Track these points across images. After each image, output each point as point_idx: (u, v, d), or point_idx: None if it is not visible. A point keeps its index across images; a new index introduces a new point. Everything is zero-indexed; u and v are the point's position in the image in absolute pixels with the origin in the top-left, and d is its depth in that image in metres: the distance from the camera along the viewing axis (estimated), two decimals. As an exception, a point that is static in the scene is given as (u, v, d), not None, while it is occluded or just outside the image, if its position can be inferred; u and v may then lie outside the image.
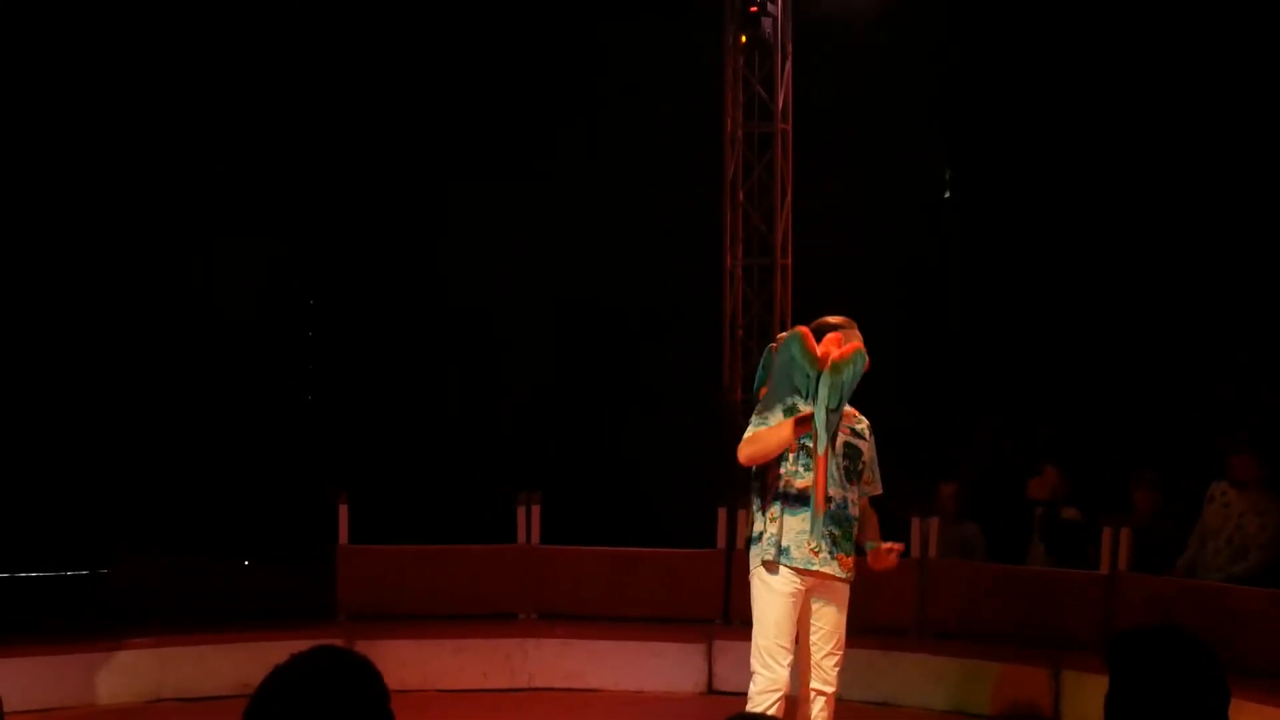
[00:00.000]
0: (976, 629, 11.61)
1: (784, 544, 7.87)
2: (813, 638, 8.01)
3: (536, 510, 12.47)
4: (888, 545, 8.04)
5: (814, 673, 8.00)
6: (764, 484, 7.99)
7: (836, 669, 8.01)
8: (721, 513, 11.72)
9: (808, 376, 7.80)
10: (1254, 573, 11.01)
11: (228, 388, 15.74)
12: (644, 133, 15.09)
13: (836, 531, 7.89)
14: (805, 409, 7.78)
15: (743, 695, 7.98)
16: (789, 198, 12.95)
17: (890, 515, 11.91)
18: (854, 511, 7.98)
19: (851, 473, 7.97)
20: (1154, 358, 14.23)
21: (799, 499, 7.89)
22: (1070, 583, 11.49)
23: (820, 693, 7.99)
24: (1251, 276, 13.69)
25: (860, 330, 8.03)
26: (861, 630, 11.29)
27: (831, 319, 8.09)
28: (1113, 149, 14.32)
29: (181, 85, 14.99)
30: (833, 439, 7.82)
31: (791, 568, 7.87)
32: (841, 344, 7.86)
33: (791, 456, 7.92)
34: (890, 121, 14.78)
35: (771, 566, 7.90)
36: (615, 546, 12.60)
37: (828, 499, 7.85)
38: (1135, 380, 14.28)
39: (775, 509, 7.94)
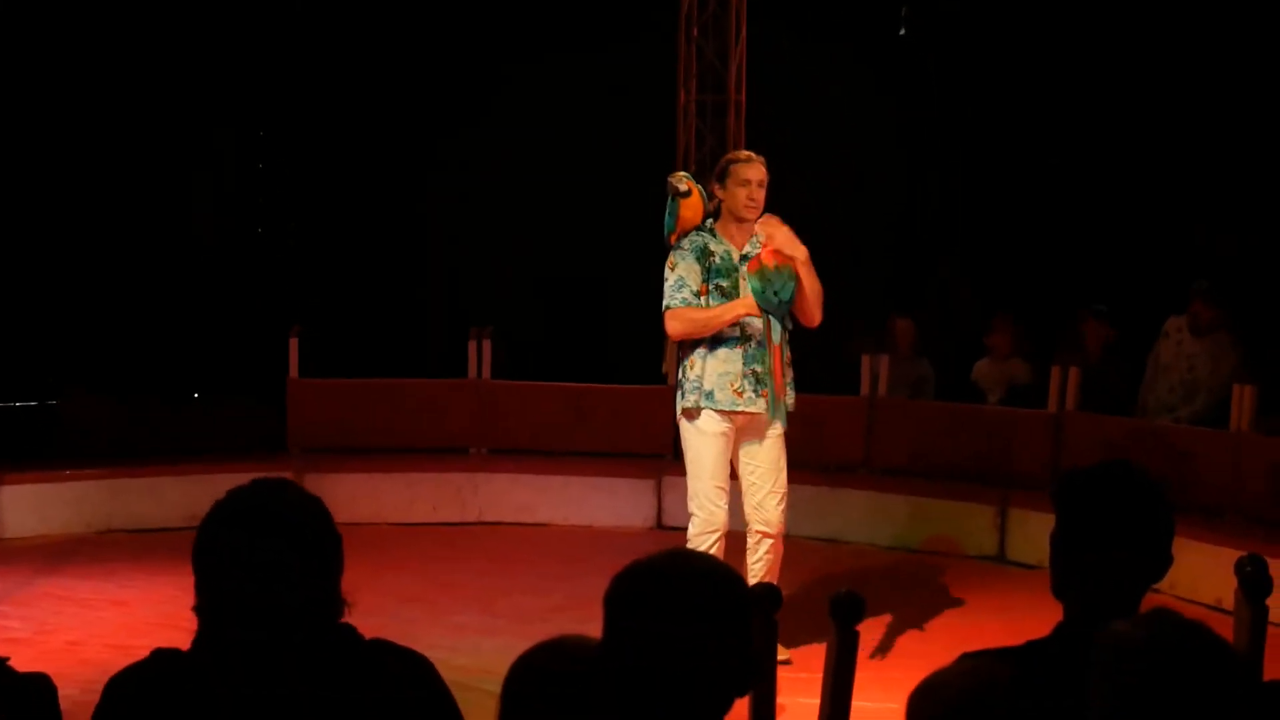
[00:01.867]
0: (925, 467, 11.71)
1: (707, 388, 7.90)
2: (750, 479, 8.02)
3: (488, 345, 12.47)
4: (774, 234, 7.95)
5: (755, 514, 8.00)
6: None
7: (779, 509, 7.99)
8: (671, 348, 11.74)
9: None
10: (1200, 415, 11.12)
11: (177, 220, 15.62)
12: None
13: (760, 368, 7.89)
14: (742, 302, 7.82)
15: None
16: (743, 33, 12.84)
17: (838, 352, 12.03)
18: (777, 341, 7.91)
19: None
20: (1114, 202, 14.25)
21: (718, 340, 7.90)
22: (1018, 422, 11.59)
23: (764, 534, 7.99)
24: (1217, 122, 13.68)
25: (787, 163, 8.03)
26: (809, 466, 11.43)
27: (740, 153, 8.11)
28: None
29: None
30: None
31: (717, 410, 7.90)
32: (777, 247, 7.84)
33: (704, 300, 7.93)
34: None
35: (693, 413, 7.94)
36: (566, 382, 12.63)
37: (748, 337, 7.87)
38: (1094, 225, 14.31)
39: (694, 355, 7.97)
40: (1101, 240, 14.16)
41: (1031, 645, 3.50)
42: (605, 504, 11.84)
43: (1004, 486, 11.13)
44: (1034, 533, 9.90)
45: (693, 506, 7.94)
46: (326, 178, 16.01)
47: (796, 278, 7.84)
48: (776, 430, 7.97)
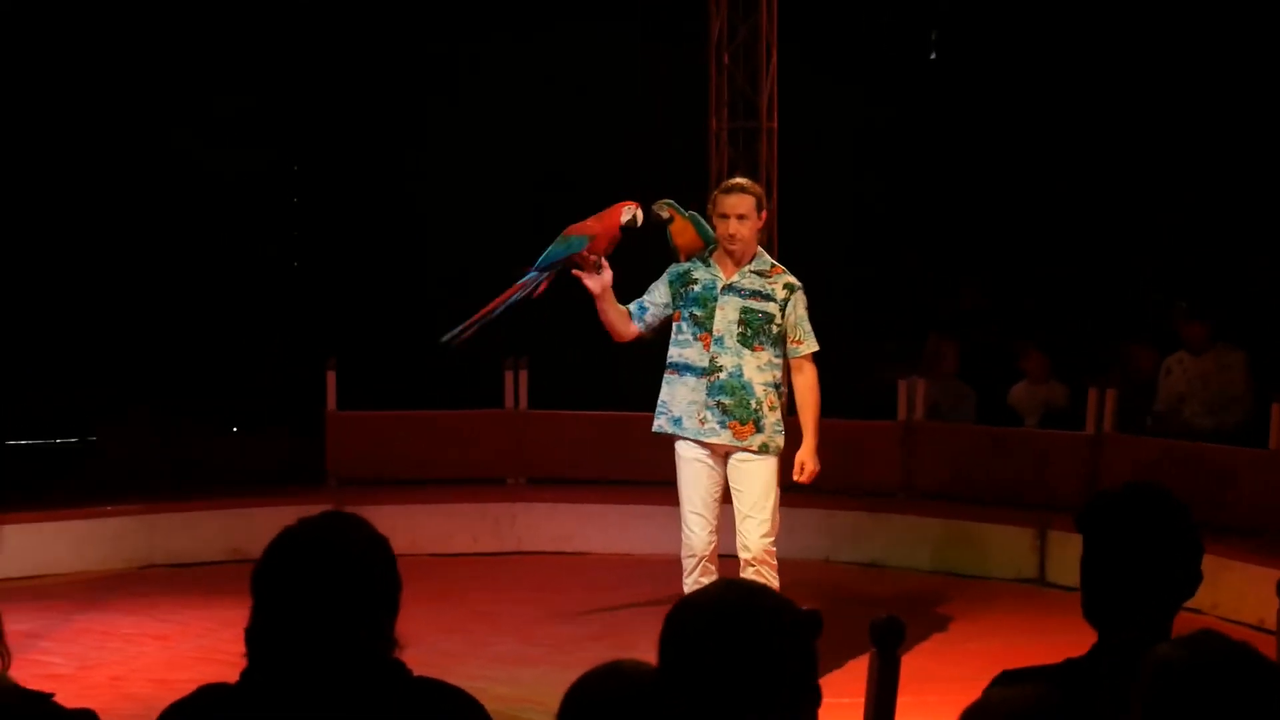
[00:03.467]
0: (963, 491, 11.67)
1: (675, 414, 7.98)
2: (735, 504, 8.02)
3: (524, 375, 12.49)
4: (800, 465, 7.96)
5: (736, 539, 7.99)
6: None
7: (757, 535, 7.88)
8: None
9: None
10: (1241, 424, 11.13)
11: (214, 254, 15.65)
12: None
13: (727, 401, 7.86)
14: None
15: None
16: (774, 60, 12.81)
17: (874, 375, 12.01)
18: (752, 378, 7.89)
19: (748, 338, 7.89)
20: (1135, 224, 14.27)
21: (685, 367, 7.97)
22: (1056, 444, 11.54)
23: (745, 561, 7.92)
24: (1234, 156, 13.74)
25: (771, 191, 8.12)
26: (848, 492, 11.42)
27: (726, 182, 8.27)
28: (1098, 13, 14.21)
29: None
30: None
31: (686, 438, 7.92)
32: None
33: (677, 325, 7.98)
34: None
35: (667, 438, 8.03)
36: (602, 410, 12.61)
37: (718, 368, 7.85)
38: (1115, 247, 14.34)
39: (664, 378, 8.08)
40: (1138, 264, 14.17)
41: (1070, 663, 3.50)
42: (643, 532, 11.80)
43: (1043, 509, 11.06)
44: (1074, 555, 9.77)
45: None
46: (361, 211, 16.06)
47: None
48: (757, 459, 7.93)
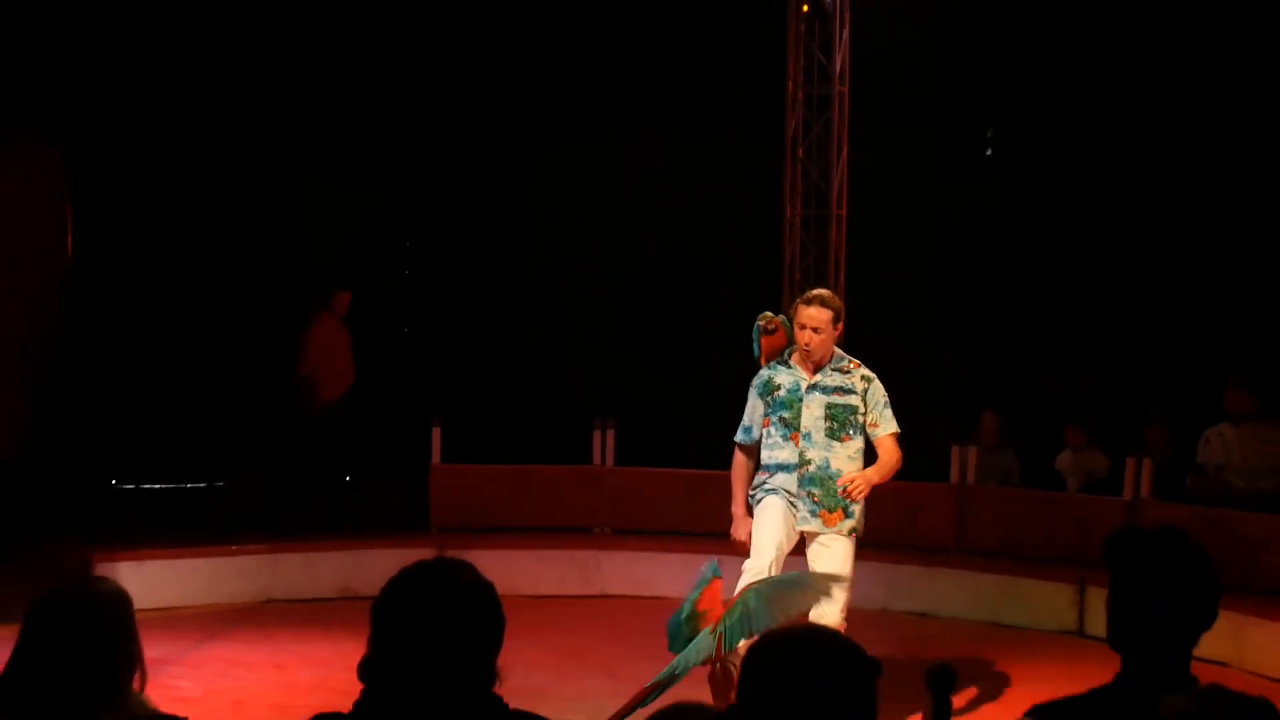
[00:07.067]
0: (1010, 549, 11.62)
1: (773, 486, 7.94)
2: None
3: (611, 435, 12.56)
4: (853, 476, 7.82)
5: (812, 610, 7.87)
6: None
7: (833, 609, 7.66)
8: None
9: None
10: (1277, 492, 11.03)
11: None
12: (713, 96, 15.06)
13: (818, 491, 7.83)
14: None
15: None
16: (845, 154, 12.87)
17: (931, 443, 11.96)
18: (841, 467, 7.83)
19: (836, 431, 7.84)
20: (1180, 304, 14.18)
21: (778, 466, 7.92)
22: (1096, 508, 11.47)
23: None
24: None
25: (842, 300, 8.04)
26: (904, 547, 11.40)
27: (808, 293, 8.10)
28: (1152, 109, 14.15)
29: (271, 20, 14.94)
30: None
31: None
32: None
33: (767, 430, 7.94)
34: (939, 82, 14.70)
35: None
36: (684, 469, 12.63)
37: (807, 461, 7.83)
38: (1158, 325, 14.25)
39: (762, 469, 8.03)
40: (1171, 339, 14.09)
41: (1095, 692, 3.50)
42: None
43: (1083, 566, 10.97)
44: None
45: None
46: (466, 284, 16.19)
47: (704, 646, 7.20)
48: (840, 539, 7.88)
